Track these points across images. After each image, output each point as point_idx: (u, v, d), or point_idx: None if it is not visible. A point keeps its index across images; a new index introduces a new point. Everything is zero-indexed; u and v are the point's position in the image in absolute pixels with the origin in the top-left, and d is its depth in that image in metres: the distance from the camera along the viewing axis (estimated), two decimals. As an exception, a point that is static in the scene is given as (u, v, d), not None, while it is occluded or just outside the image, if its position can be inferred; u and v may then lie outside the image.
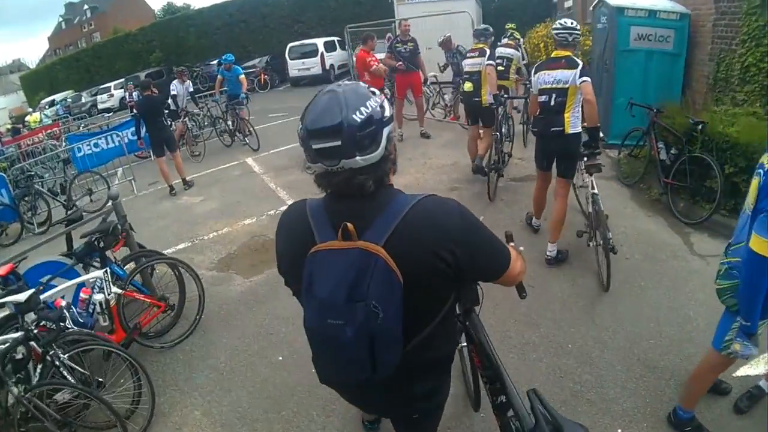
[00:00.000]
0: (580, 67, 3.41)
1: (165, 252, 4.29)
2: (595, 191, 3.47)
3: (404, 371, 1.16)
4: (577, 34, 3.54)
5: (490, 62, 5.19)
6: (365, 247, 1.05)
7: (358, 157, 1.05)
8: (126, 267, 3.26)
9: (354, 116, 1.04)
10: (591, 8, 6.89)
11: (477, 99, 5.32)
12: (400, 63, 7.05)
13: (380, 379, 1.12)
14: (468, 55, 5.50)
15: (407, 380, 1.27)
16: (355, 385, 1.31)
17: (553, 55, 3.63)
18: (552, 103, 3.51)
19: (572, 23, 3.55)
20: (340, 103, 1.05)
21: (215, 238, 4.97)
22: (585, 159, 3.48)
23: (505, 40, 7.64)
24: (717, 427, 2.26)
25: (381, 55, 7.61)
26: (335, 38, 17.84)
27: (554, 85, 3.49)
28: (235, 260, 4.51)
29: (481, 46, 5.31)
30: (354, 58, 9.98)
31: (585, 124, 3.49)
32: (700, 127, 4.26)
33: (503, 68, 6.55)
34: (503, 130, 5.51)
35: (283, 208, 5.20)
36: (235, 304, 3.80)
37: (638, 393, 2.51)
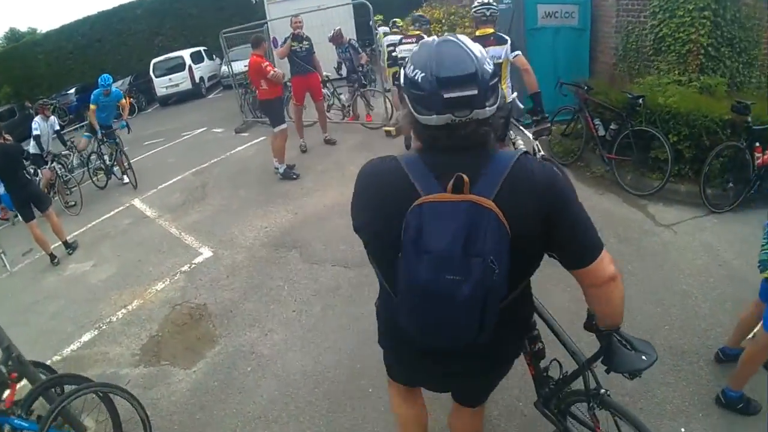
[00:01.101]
0: (509, 42, 3.82)
1: (65, 351, 3.47)
2: (543, 153, 3.82)
3: (497, 333, 1.18)
4: (495, 9, 3.86)
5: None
6: (477, 200, 1.06)
7: (486, 108, 1.09)
8: (33, 408, 2.29)
9: (485, 66, 1.08)
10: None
11: None
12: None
13: (478, 342, 1.15)
14: (404, 41, 5.94)
15: (498, 343, 1.28)
16: (442, 353, 1.30)
17: (478, 34, 3.88)
18: None
19: (485, 0, 3.85)
20: (468, 52, 1.08)
21: (126, 317, 3.92)
22: (534, 125, 3.83)
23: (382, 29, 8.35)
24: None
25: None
26: (201, 48, 17.19)
27: None
28: (162, 345, 3.51)
29: (417, 32, 5.86)
30: (236, 66, 9.42)
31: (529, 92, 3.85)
32: (640, 100, 4.50)
33: (396, 55, 6.95)
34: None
35: (199, 259, 4.51)
36: (188, 412, 2.86)
37: (680, 385, 2.53)
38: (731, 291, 3.26)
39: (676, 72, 5.10)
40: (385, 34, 8.86)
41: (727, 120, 4.29)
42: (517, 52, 3.85)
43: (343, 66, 8.36)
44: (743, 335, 2.55)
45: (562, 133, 5.66)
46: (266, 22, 10.91)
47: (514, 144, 4.53)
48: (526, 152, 1.21)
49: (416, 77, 1.10)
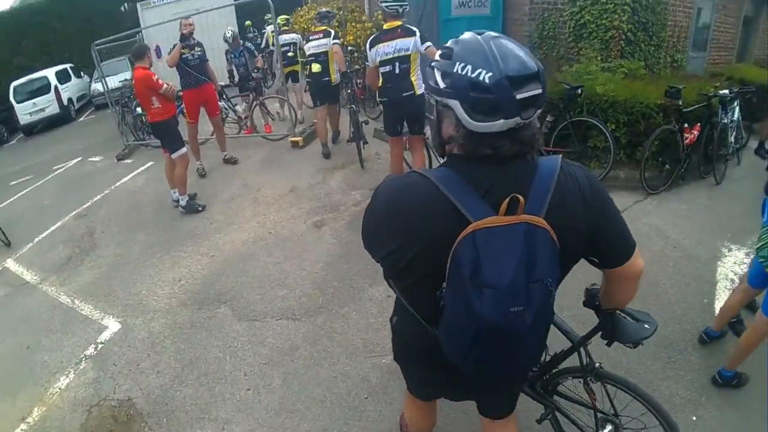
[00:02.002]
0: (418, 34, 3.98)
1: None
2: None
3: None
4: (406, 4, 4.03)
5: (337, 42, 5.88)
6: (531, 220, 1.00)
7: (539, 109, 1.03)
8: None
9: (540, 63, 1.03)
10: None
11: (327, 78, 5.98)
12: None
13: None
14: (311, 37, 6.00)
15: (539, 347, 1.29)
16: None
17: (385, 27, 4.08)
18: (397, 71, 4.03)
19: None
20: (521, 47, 1.03)
21: (27, 432, 2.90)
22: None
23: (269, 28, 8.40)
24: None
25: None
26: (68, 65, 15.32)
27: (396, 54, 4.00)
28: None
29: (324, 27, 5.98)
30: (110, 82, 8.38)
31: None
32: (579, 90, 4.56)
33: (292, 53, 7.36)
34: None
35: (105, 335, 3.59)
36: None
37: (679, 376, 2.67)
38: (690, 271, 3.55)
39: (599, 58, 5.26)
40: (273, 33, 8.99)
41: (660, 104, 4.55)
42: (428, 44, 3.96)
43: (236, 72, 7.72)
44: (727, 319, 2.83)
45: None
46: (140, 30, 10.02)
47: (428, 140, 4.60)
48: (561, 156, 1.18)
49: (481, 77, 0.98)
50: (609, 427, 1.81)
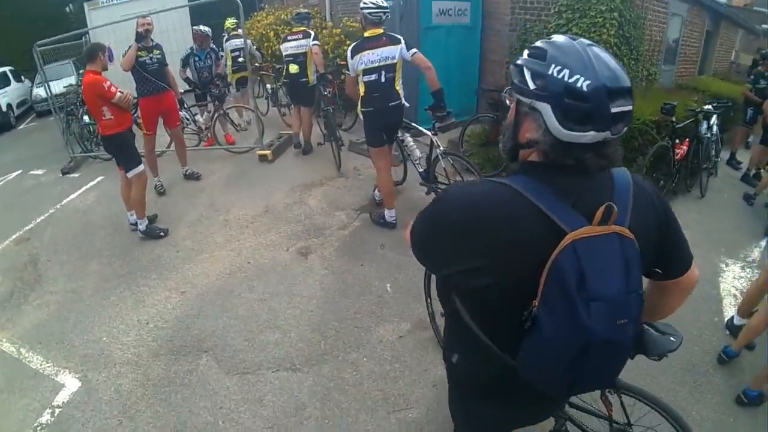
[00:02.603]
0: (403, 41, 3.90)
1: None
2: (443, 148, 4.17)
3: None
4: (388, 11, 3.95)
5: (316, 43, 5.82)
6: (621, 231, 0.99)
7: (626, 125, 1.01)
8: None
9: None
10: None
11: (304, 80, 5.93)
12: None
13: None
14: (289, 38, 5.88)
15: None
16: None
17: (367, 35, 3.92)
18: (383, 79, 3.92)
19: (382, 1, 3.89)
20: (617, 61, 0.99)
21: None
22: (438, 120, 4.04)
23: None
24: None
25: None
26: (7, 68, 14.08)
27: (382, 63, 3.88)
28: None
29: (303, 28, 5.89)
30: (54, 87, 7.66)
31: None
32: None
33: (242, 59, 7.15)
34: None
35: (63, 396, 3.02)
36: None
37: (707, 399, 2.70)
38: (697, 289, 3.38)
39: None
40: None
41: (655, 120, 4.55)
42: (413, 50, 3.89)
43: (196, 77, 7.03)
44: (754, 305, 3.02)
45: (482, 143, 5.49)
46: (87, 32, 9.25)
47: (403, 142, 4.55)
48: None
49: (578, 84, 0.93)
50: None
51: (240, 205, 5.19)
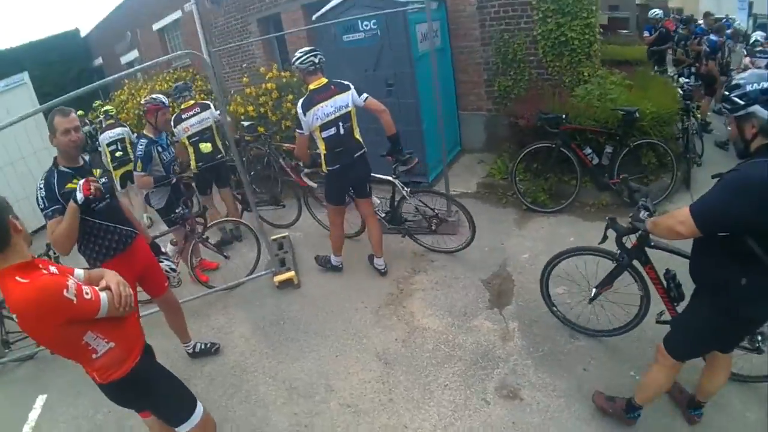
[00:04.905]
0: (352, 87, 3.65)
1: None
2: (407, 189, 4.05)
3: None
4: (319, 53, 3.63)
5: (217, 111, 4.98)
6: None
7: None
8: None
9: None
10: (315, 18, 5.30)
11: (220, 156, 5.03)
12: None
13: None
14: (183, 116, 4.89)
15: None
16: None
17: (313, 87, 3.60)
18: (342, 131, 3.65)
19: (307, 48, 3.66)
20: None
21: None
22: (401, 165, 3.86)
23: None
24: None
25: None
26: None
27: (338, 113, 3.60)
28: None
29: (191, 101, 5.00)
30: None
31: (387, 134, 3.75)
32: (636, 114, 4.24)
33: (121, 152, 6.31)
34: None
35: None
36: None
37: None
38: None
39: (585, 74, 5.09)
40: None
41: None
42: (365, 96, 3.66)
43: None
44: None
45: (545, 177, 4.80)
46: None
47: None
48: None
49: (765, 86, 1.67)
50: None
51: (334, 376, 3.28)
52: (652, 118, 4.44)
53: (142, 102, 4.41)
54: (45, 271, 1.80)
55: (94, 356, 1.95)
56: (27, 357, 4.23)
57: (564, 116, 4.45)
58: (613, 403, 2.54)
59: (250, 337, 3.83)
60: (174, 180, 4.28)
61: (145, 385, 2.15)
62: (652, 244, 2.51)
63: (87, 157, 3.00)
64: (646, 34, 7.97)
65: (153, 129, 4.18)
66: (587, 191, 4.72)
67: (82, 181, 2.66)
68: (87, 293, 1.80)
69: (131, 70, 7.01)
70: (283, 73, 6.47)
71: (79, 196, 2.60)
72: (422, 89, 5.02)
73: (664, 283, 2.51)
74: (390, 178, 4.04)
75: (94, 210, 2.75)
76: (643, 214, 2.26)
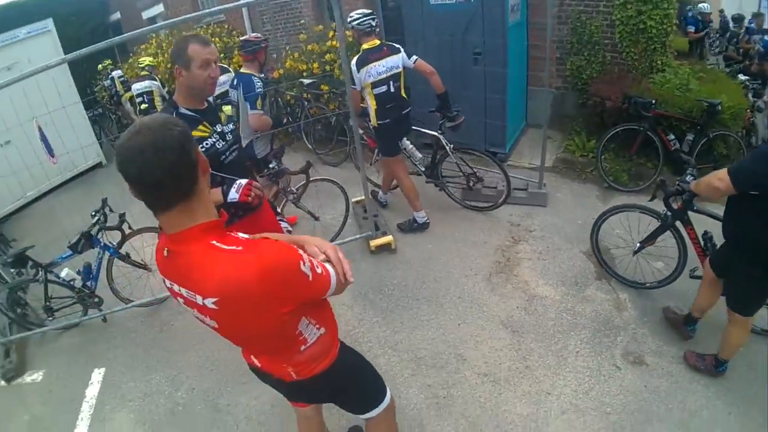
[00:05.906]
0: (403, 49, 3.93)
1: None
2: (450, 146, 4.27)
3: None
4: (376, 17, 3.90)
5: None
6: None
7: None
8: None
9: None
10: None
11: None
12: None
13: None
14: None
15: None
16: None
17: (367, 47, 3.85)
18: (392, 89, 3.93)
19: (364, 9, 3.96)
20: None
21: None
22: (448, 121, 4.09)
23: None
24: None
25: None
26: None
27: (390, 73, 3.88)
28: None
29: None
30: None
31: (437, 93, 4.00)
32: (719, 106, 4.40)
33: (147, 105, 6.45)
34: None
35: None
36: None
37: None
38: None
39: (659, 62, 5.21)
40: (121, 79, 7.92)
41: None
42: (414, 57, 3.91)
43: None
44: None
45: (629, 158, 4.95)
46: None
47: (406, 150, 4.47)
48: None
49: None
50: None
51: (462, 345, 3.31)
52: (731, 112, 4.65)
53: (250, 38, 4.19)
54: (243, 235, 1.35)
55: (302, 347, 1.52)
56: (72, 325, 4.03)
57: (653, 101, 4.59)
58: (703, 360, 2.85)
59: (352, 305, 3.81)
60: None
61: (352, 371, 1.81)
62: (695, 208, 2.93)
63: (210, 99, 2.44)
64: (691, 29, 8.00)
65: (259, 68, 4.13)
66: (664, 175, 4.92)
67: (243, 182, 2.25)
68: (317, 267, 1.37)
69: (157, 26, 6.68)
70: (347, 32, 6.30)
71: (233, 196, 2.22)
72: (511, 60, 5.09)
73: (702, 243, 2.97)
74: (435, 133, 4.28)
75: (223, 164, 2.38)
76: (689, 178, 2.70)
